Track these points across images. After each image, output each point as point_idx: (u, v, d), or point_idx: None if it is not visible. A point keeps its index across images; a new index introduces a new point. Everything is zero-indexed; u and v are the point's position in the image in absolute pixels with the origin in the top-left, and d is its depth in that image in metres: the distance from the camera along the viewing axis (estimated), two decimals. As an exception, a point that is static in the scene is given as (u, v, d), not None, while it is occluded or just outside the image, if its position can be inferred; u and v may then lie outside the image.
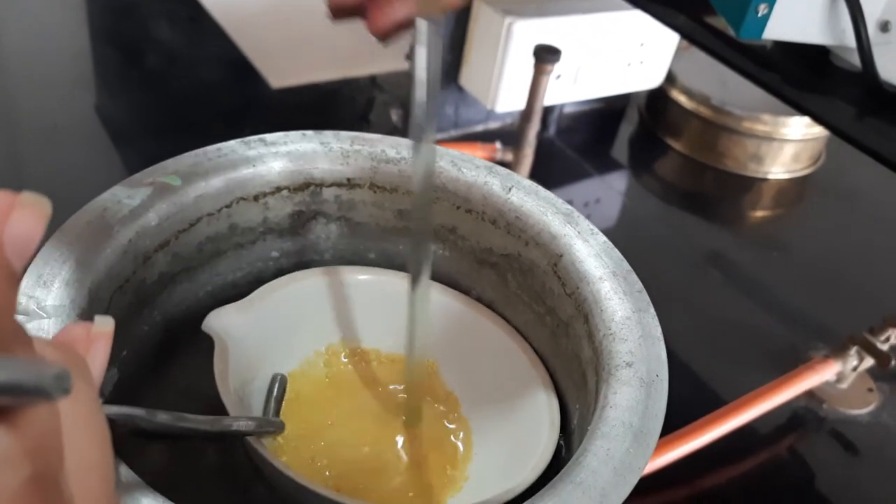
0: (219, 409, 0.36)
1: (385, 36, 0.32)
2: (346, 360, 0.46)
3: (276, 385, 0.42)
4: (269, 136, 0.44)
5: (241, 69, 1.05)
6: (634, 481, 0.30)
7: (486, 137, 1.00)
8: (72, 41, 1.08)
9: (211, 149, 0.42)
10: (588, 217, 0.43)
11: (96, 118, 0.93)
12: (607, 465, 0.30)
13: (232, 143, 0.43)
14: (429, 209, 0.35)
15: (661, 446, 0.61)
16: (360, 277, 0.46)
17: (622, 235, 0.98)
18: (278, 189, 0.44)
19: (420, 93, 0.31)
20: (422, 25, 0.30)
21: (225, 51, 1.08)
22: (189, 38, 1.13)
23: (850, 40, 0.51)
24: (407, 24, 0.32)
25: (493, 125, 1.03)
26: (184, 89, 1.01)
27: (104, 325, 0.22)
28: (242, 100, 1.02)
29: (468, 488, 0.40)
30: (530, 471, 0.36)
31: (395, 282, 0.46)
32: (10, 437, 0.14)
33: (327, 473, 0.40)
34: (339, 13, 0.34)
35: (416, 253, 0.36)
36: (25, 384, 0.14)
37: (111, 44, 1.10)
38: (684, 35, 0.65)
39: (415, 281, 0.37)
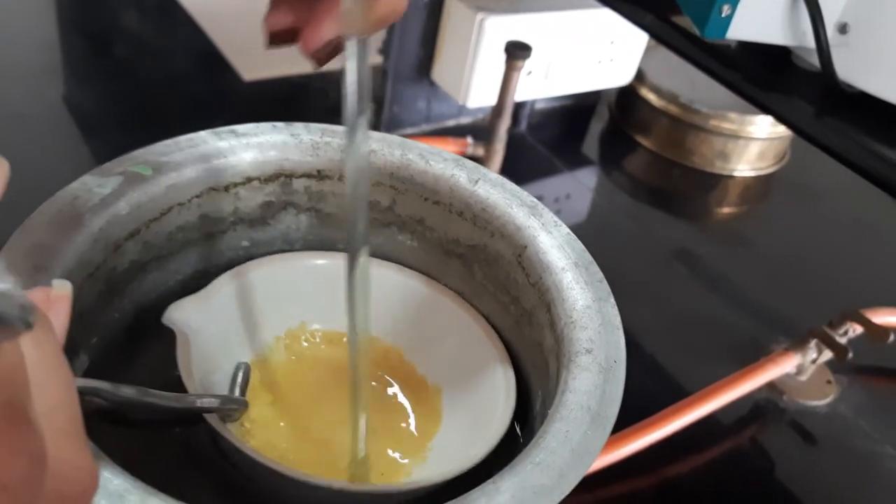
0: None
1: (317, 56, 0.32)
2: (306, 343, 0.47)
3: (240, 373, 0.42)
4: (239, 128, 0.44)
5: (212, 61, 1.04)
6: (591, 462, 0.31)
7: (457, 132, 1.00)
8: (40, 31, 1.06)
9: (182, 139, 0.42)
10: (558, 212, 0.44)
11: (64, 108, 0.92)
12: (565, 446, 0.31)
13: (203, 133, 0.43)
14: (364, 205, 0.35)
15: (627, 436, 0.62)
16: (317, 262, 0.47)
17: (591, 231, 0.99)
18: (249, 179, 0.44)
19: (352, 102, 0.31)
20: (350, 43, 0.31)
21: (196, 42, 1.07)
22: (159, 28, 1.12)
23: (810, 41, 0.52)
24: (340, 45, 0.32)
25: (465, 120, 1.04)
26: (154, 80, 1.00)
27: (63, 288, 0.24)
28: (213, 92, 1.01)
29: (430, 463, 0.41)
30: (483, 444, 0.38)
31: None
32: None
33: (292, 456, 0.41)
34: (275, 40, 0.34)
35: (353, 244, 0.35)
36: None
37: (80, 33, 1.09)
38: (651, 34, 0.66)
39: (351, 269, 0.36)
